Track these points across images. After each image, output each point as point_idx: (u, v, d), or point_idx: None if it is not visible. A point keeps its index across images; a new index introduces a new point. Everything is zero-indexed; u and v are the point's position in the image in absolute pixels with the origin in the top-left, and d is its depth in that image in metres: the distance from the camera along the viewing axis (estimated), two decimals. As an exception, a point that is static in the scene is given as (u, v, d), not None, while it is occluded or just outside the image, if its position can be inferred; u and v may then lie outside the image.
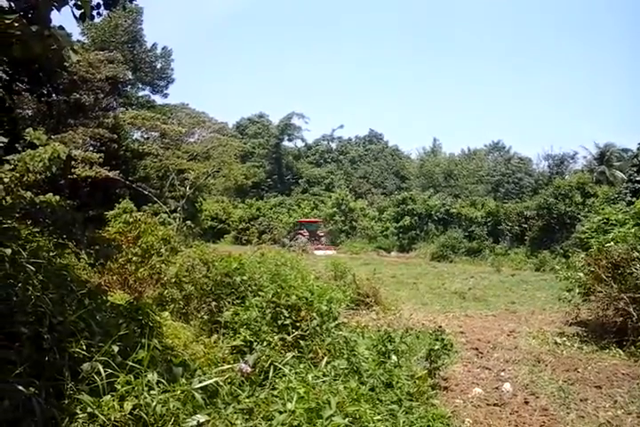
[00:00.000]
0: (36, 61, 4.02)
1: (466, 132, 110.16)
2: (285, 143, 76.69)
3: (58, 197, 9.22)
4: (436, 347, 7.85)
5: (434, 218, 43.34)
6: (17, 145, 5.45)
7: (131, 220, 10.82)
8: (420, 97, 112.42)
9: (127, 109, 34.81)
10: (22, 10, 3.23)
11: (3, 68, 4.69)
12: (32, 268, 3.98)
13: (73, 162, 25.12)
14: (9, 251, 3.88)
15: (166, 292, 9.41)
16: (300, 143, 79.27)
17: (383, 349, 6.87)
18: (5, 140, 4.99)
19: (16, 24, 3.09)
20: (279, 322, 6.64)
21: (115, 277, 10.42)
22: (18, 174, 6.89)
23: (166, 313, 6.60)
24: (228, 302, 7.69)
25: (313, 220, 48.08)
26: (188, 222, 29.70)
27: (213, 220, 52.18)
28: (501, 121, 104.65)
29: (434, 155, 73.47)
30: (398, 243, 43.36)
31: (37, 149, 6.73)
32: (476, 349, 10.66)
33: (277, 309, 6.81)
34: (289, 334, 6.48)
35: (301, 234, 43.26)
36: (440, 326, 8.56)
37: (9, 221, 5.25)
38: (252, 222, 50.70)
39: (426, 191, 52.75)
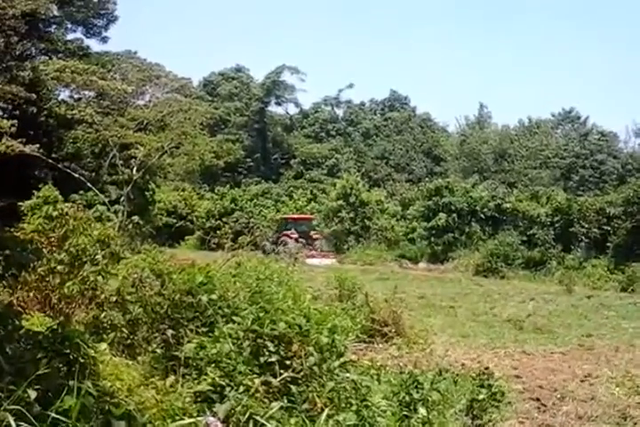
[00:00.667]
0: None
1: (526, 97, 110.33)
2: (273, 109, 77.01)
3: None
4: (481, 396, 7.83)
5: (479, 216, 43.33)
6: None
7: (55, 214, 10.77)
8: (462, 46, 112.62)
9: (51, 59, 34.82)
10: None
11: None
12: None
13: (-26, 132, 25.17)
14: None
15: (104, 315, 9.40)
16: (292, 109, 79.55)
17: (407, 398, 6.85)
18: None
19: None
20: (262, 359, 6.62)
21: (32, 294, 10.41)
22: None
23: (104, 345, 6.59)
24: (191, 331, 7.68)
25: (304, 216, 48.58)
26: (135, 218, 29.67)
27: (170, 215, 52.33)
28: (576, 82, 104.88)
29: (480, 127, 73.46)
30: (429, 250, 43.36)
31: None
32: (538, 399, 10.65)
33: (259, 340, 6.80)
34: (275, 377, 6.47)
35: (288, 236, 43.22)
36: (487, 368, 8.56)
37: None
38: (224, 219, 50.74)
39: (469, 178, 52.89)
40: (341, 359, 6.98)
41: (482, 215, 43.31)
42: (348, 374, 6.58)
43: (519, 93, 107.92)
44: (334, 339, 7.08)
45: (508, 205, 42.79)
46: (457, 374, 8.93)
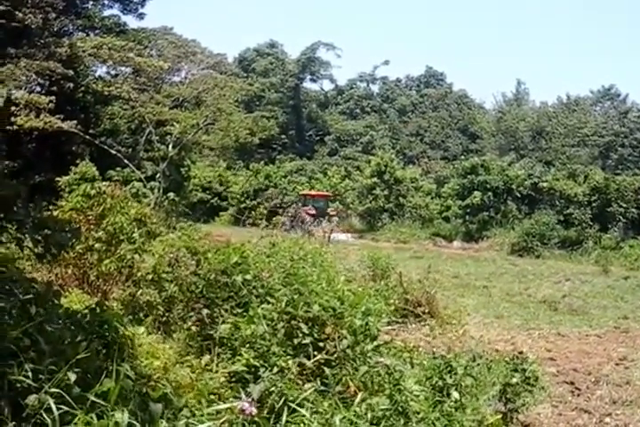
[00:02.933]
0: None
1: (564, 74, 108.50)
2: (307, 85, 76.71)
3: (-8, 159, 9.40)
4: (515, 380, 7.82)
5: (515, 194, 42.99)
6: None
7: (93, 192, 10.92)
8: (499, 21, 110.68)
9: (88, 35, 34.91)
10: None
11: None
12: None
13: (13, 107, 25.46)
14: None
15: (140, 293, 9.54)
16: (327, 85, 79.21)
17: (440, 382, 6.85)
18: None
19: None
20: (295, 341, 6.66)
21: (70, 271, 10.61)
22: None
23: (141, 329, 6.68)
24: (225, 311, 7.74)
25: (322, 193, 48.82)
26: (171, 195, 30.10)
27: (205, 191, 52.63)
28: (615, 58, 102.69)
29: (517, 105, 72.49)
30: (464, 229, 43.20)
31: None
32: (572, 383, 10.62)
33: (293, 322, 6.83)
34: (309, 358, 6.51)
35: (306, 212, 43.61)
36: (521, 352, 8.53)
37: None
38: (259, 197, 50.85)
39: (505, 156, 52.35)
40: (375, 342, 7.00)
41: (518, 194, 42.96)
42: (381, 359, 6.58)
43: (558, 70, 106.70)
44: (368, 322, 7.09)
45: (544, 184, 42.31)
46: (490, 360, 8.89)
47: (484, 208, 42.86)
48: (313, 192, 49.05)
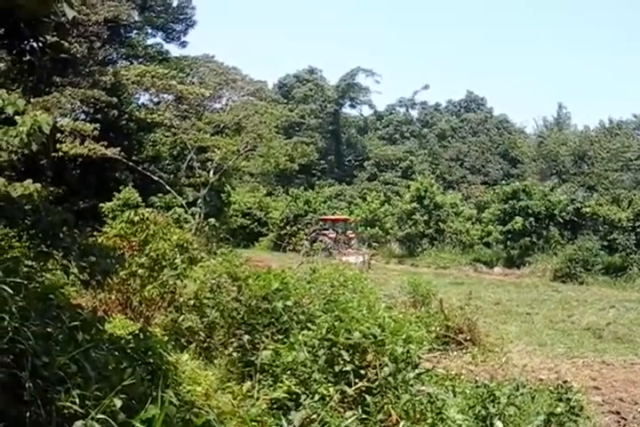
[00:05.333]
0: (15, 12, 4.16)
1: (606, 97, 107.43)
2: (347, 110, 77.13)
3: (39, 185, 9.58)
4: (559, 410, 7.70)
5: (558, 220, 42.42)
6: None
7: (136, 219, 11.11)
8: (540, 46, 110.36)
9: (132, 63, 35.82)
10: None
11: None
12: (9, 290, 4.14)
13: (59, 135, 26.03)
14: (-22, 267, 4.04)
15: (182, 318, 9.64)
16: (367, 111, 79.56)
17: (483, 412, 6.80)
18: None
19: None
20: (337, 368, 6.66)
21: (114, 296, 10.77)
22: (-13, 153, 7.17)
23: (185, 356, 6.74)
24: (266, 337, 7.79)
25: (340, 217, 49.94)
26: (212, 220, 30.27)
27: (245, 216, 52.95)
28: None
29: (559, 129, 72.03)
30: (505, 254, 42.70)
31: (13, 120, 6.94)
32: (617, 413, 10.42)
33: (334, 349, 6.84)
34: (350, 386, 6.50)
35: (326, 235, 44.42)
36: (565, 381, 8.40)
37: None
38: (298, 222, 51.06)
39: (547, 181, 51.80)
40: (416, 370, 6.96)
41: (560, 219, 42.39)
42: (423, 387, 6.54)
43: (600, 94, 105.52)
44: (409, 349, 7.06)
45: (587, 209, 41.70)
46: (534, 390, 8.77)
47: (526, 234, 42.36)
48: (332, 216, 50.13)
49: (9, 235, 6.68)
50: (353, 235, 46.26)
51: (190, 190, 37.79)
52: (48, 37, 6.21)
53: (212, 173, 36.39)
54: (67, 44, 28.13)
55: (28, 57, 6.19)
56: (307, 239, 41.79)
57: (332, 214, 53.05)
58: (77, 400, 3.95)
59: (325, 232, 45.46)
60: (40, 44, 5.97)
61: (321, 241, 41.51)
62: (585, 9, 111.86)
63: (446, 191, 54.30)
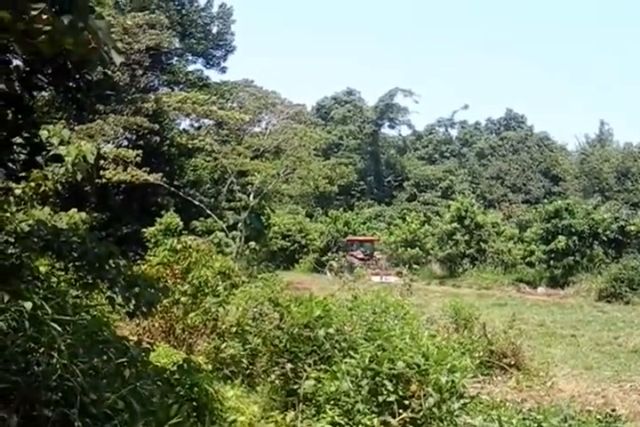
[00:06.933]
0: (64, 55, 4.28)
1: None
2: (386, 131, 77.30)
3: (84, 214, 9.75)
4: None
5: (602, 238, 41.77)
6: (38, 158, 5.80)
7: (179, 247, 11.25)
8: (581, 63, 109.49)
9: (173, 90, 36.35)
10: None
11: (21, 57, 5.02)
12: (58, 328, 4.21)
13: (102, 161, 26.51)
14: (29, 305, 4.13)
15: (224, 346, 9.70)
16: (405, 131, 79.61)
17: (530, 443, 6.70)
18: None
19: (44, 16, 3.32)
20: (380, 398, 6.63)
21: (157, 324, 10.88)
22: (33, 184, 7.31)
23: (231, 392, 6.77)
24: (309, 365, 7.79)
25: (368, 238, 50.75)
26: (252, 244, 30.38)
27: (285, 239, 53.09)
28: None
29: (601, 146, 71.19)
30: (548, 274, 42.14)
31: (58, 149, 7.07)
32: (668, 440, 10.15)
33: (377, 379, 6.81)
34: (394, 417, 6.46)
35: (354, 256, 44.93)
36: (614, 410, 8.23)
37: (25, 258, 5.57)
38: (338, 243, 51.09)
39: (589, 198, 51.09)
40: (462, 401, 6.89)
41: (604, 238, 41.74)
42: (469, 420, 6.48)
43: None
44: (454, 379, 7.00)
45: (632, 228, 41.02)
46: (583, 422, 8.60)
47: (570, 253, 41.76)
48: (360, 237, 50.75)
49: (55, 267, 6.79)
50: (380, 256, 46.69)
51: (231, 214, 38.04)
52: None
53: (251, 196, 36.63)
54: (109, 72, 28.74)
55: (73, 94, 6.35)
56: (336, 260, 42.11)
57: (372, 235, 53.08)
58: (125, 438, 4.02)
59: (353, 253, 46.17)
60: (86, 82, 6.12)
61: (348, 262, 41.85)
62: (623, 23, 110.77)
63: (487, 211, 53.84)
